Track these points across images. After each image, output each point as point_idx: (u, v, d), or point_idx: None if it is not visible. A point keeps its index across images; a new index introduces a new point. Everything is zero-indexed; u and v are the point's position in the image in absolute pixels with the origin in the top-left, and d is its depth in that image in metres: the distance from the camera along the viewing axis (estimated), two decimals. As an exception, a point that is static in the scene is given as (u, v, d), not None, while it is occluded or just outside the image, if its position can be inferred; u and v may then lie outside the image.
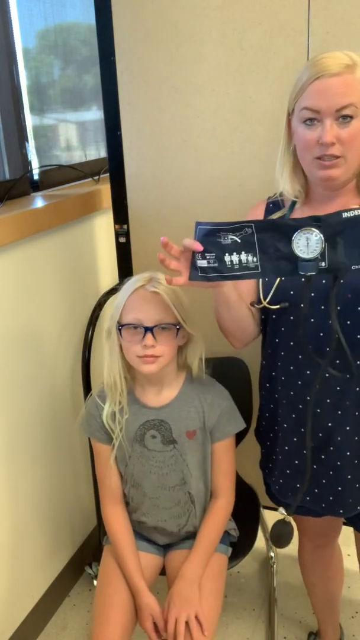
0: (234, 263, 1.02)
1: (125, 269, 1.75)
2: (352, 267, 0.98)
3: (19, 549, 1.69)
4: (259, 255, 1.01)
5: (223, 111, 1.49)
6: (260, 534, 1.62)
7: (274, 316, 1.20)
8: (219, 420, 1.35)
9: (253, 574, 1.97)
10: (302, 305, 1.06)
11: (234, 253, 1.01)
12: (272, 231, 0.99)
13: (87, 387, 1.77)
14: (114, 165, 1.66)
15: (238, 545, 1.50)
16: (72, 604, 1.91)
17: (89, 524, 2.05)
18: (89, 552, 2.02)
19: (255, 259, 1.01)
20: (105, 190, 1.88)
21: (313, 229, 0.97)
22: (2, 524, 1.61)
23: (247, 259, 1.01)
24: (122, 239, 1.72)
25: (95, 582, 1.95)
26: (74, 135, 2.22)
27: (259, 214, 1.25)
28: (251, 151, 1.50)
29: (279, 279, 1.16)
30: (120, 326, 1.24)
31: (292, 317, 1.17)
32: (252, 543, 1.52)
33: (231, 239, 1.00)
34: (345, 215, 0.96)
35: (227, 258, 1.02)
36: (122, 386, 1.32)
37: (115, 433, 1.33)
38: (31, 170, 1.88)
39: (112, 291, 1.66)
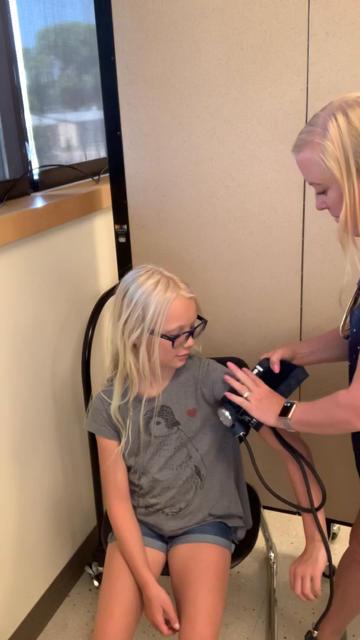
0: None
1: (125, 269, 1.75)
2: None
3: (19, 549, 1.69)
4: None
5: (223, 111, 1.49)
6: (260, 534, 1.62)
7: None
8: (217, 388, 1.36)
9: (253, 574, 1.97)
10: None
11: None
12: None
13: (87, 387, 1.77)
14: (113, 165, 1.66)
15: (238, 545, 1.50)
16: (72, 604, 1.92)
17: (89, 524, 2.05)
18: (89, 552, 2.02)
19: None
20: (105, 190, 1.88)
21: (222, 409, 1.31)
22: (4, 524, 1.61)
23: None
24: (122, 239, 1.72)
25: (95, 582, 1.95)
26: (73, 135, 2.22)
27: None
28: (251, 151, 1.50)
29: (346, 312, 1.24)
30: (173, 338, 1.27)
31: None
32: (252, 543, 1.53)
33: None
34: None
35: None
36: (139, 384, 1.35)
37: (126, 425, 1.36)
38: (31, 170, 1.88)
39: (113, 291, 1.66)
